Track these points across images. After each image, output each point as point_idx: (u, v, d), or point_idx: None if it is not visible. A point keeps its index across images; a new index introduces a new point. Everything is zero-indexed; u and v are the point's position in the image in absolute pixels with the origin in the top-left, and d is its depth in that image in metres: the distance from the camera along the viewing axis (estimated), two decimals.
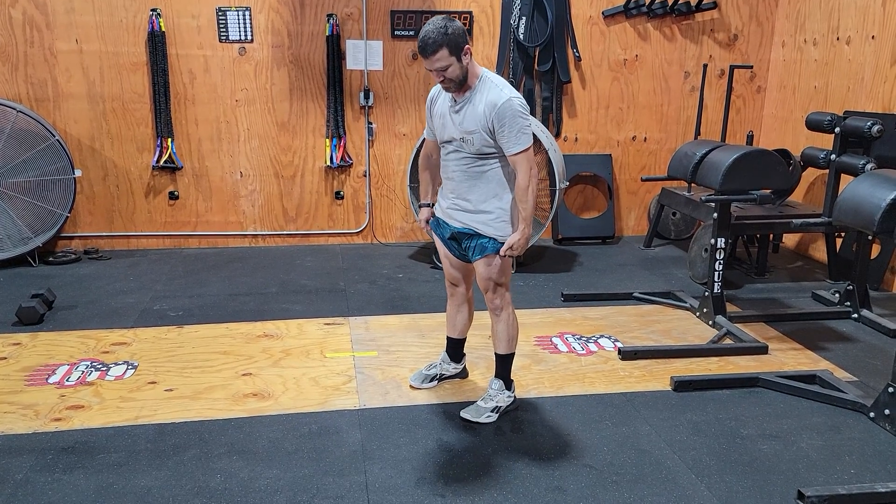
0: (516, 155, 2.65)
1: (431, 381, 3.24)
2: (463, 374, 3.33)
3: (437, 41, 2.53)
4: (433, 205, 3.09)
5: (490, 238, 2.81)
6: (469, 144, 2.72)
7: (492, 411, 2.96)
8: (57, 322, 3.92)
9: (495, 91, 2.64)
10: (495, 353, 3.01)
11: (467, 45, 2.60)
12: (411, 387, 3.21)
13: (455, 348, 3.25)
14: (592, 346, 3.73)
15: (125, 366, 3.40)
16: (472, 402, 3.07)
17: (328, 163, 5.45)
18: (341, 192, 5.58)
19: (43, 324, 3.88)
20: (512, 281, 4.72)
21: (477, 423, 2.92)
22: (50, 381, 3.23)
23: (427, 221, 3.11)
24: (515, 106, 2.61)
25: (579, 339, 3.82)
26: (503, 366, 3.01)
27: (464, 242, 2.89)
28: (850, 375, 3.42)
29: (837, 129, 3.99)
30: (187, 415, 2.95)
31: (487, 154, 2.73)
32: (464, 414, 2.96)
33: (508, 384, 3.04)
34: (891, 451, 2.77)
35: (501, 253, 2.78)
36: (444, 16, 2.63)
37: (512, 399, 3.04)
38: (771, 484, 2.55)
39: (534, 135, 4.63)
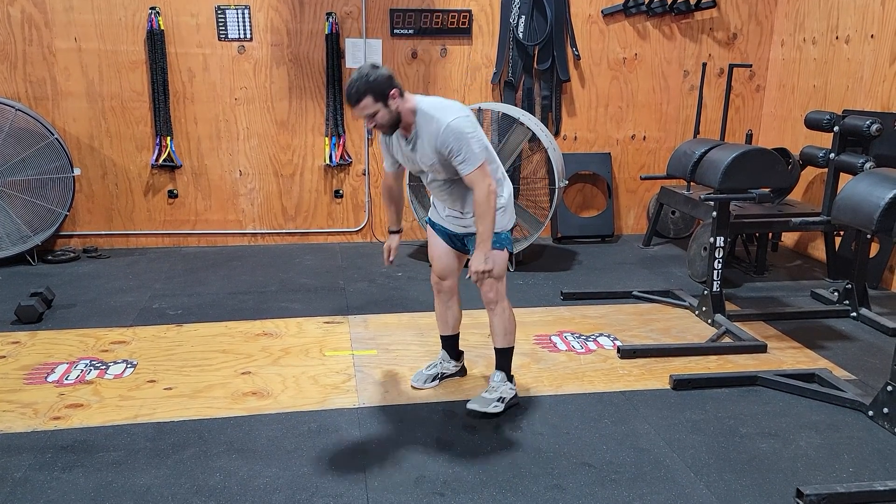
0: (469, 175, 2.63)
1: (433, 380, 3.24)
2: (462, 371, 3.33)
3: (360, 90, 2.55)
4: (401, 231, 3.14)
5: (495, 233, 2.81)
6: (439, 172, 2.74)
7: (497, 401, 2.97)
8: (56, 321, 3.92)
9: (433, 122, 2.62)
10: (494, 348, 3.02)
11: (394, 90, 2.58)
12: (413, 387, 3.21)
13: (451, 345, 3.25)
14: (591, 345, 3.73)
15: (124, 364, 3.40)
16: (468, 401, 3.07)
17: (327, 161, 5.44)
18: (340, 191, 5.58)
19: (42, 322, 3.88)
20: (511, 279, 4.74)
21: (484, 412, 2.93)
22: (49, 379, 3.23)
23: (393, 250, 3.07)
24: (456, 127, 2.58)
25: (578, 337, 3.83)
26: (503, 359, 3.04)
27: (465, 239, 2.95)
28: (849, 374, 3.43)
29: (836, 128, 3.99)
30: (186, 413, 2.95)
31: None
32: (470, 406, 2.97)
33: (510, 377, 3.06)
34: (889, 449, 2.77)
35: (468, 277, 2.72)
36: (371, 63, 2.63)
37: (514, 392, 3.06)
38: (770, 482, 2.55)
39: (533, 134, 4.67)
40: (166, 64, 5.11)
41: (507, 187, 2.89)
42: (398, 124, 2.67)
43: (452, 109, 2.64)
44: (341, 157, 5.45)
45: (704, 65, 5.38)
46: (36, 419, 2.88)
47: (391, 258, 3.09)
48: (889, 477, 2.57)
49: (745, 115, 5.93)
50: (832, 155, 4.04)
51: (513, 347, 3.04)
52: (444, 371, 3.28)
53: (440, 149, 2.62)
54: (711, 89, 5.78)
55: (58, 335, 3.73)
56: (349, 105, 2.62)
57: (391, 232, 3.14)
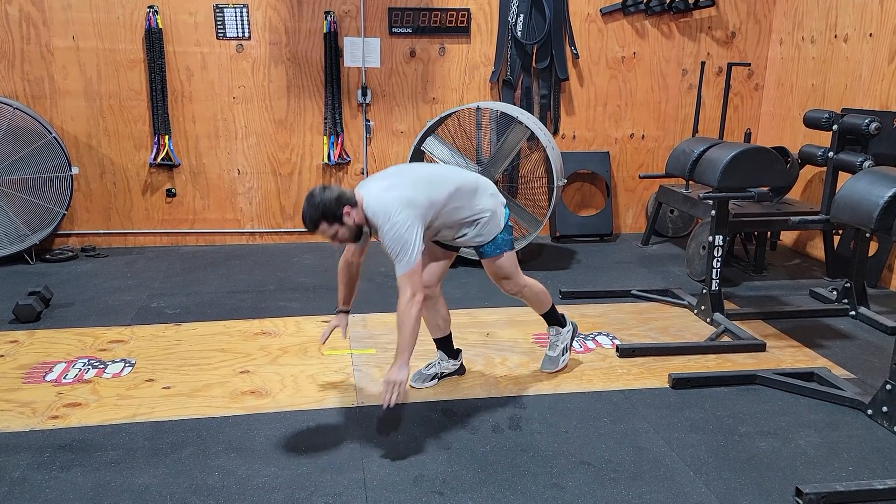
0: (398, 277, 2.61)
1: (431, 379, 3.24)
2: (461, 370, 3.33)
3: (314, 218, 2.59)
4: (348, 312, 3.04)
5: (486, 243, 2.94)
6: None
7: (563, 354, 3.35)
8: (54, 320, 3.91)
9: (378, 228, 2.62)
10: (540, 315, 3.30)
11: (345, 207, 2.59)
12: (411, 387, 3.20)
13: (446, 344, 3.26)
14: (590, 344, 3.73)
15: (122, 363, 3.39)
16: (470, 400, 3.08)
17: (326, 160, 5.44)
18: None
19: (40, 321, 3.87)
20: None
21: (557, 371, 3.34)
22: (47, 378, 3.22)
23: (341, 329, 3.00)
24: (393, 232, 2.57)
25: (577, 336, 3.82)
26: (549, 318, 3.31)
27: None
28: (848, 373, 3.43)
29: (835, 127, 3.99)
30: (185, 412, 2.95)
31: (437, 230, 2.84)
32: (542, 368, 3.36)
33: (561, 323, 3.33)
34: (888, 447, 2.77)
35: (383, 403, 2.59)
36: (318, 188, 2.61)
37: (570, 329, 3.37)
38: (769, 481, 2.55)
39: (532, 133, 4.66)
40: (164, 63, 5.10)
41: (489, 202, 2.89)
42: (361, 231, 2.70)
43: (391, 211, 2.58)
44: (339, 156, 5.44)
45: (703, 63, 5.38)
46: (34, 418, 2.87)
47: (327, 338, 2.97)
48: (888, 475, 2.57)
49: (744, 114, 5.93)
50: (831, 153, 4.04)
51: (552, 306, 3.27)
52: (443, 370, 3.28)
53: (386, 247, 2.63)
54: (710, 88, 5.78)
55: (56, 334, 3.72)
56: (307, 232, 2.66)
57: (339, 311, 3.02)
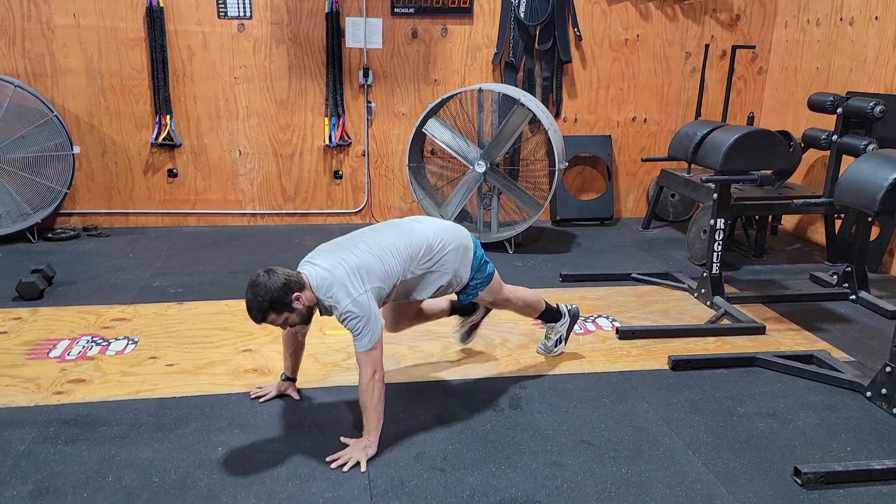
0: (357, 353, 2.50)
1: (469, 336, 3.38)
2: (486, 311, 3.32)
3: (262, 310, 2.41)
4: (295, 380, 2.94)
5: (462, 291, 2.87)
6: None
7: (556, 345, 3.34)
8: (57, 297, 3.92)
9: (332, 309, 2.49)
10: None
11: (295, 294, 2.42)
12: (460, 342, 3.40)
13: (459, 312, 3.29)
14: (590, 326, 3.74)
15: (126, 341, 3.41)
16: (470, 379, 3.11)
17: (327, 142, 5.43)
18: (340, 172, 5.56)
19: (43, 299, 3.89)
20: (510, 261, 4.75)
21: (549, 355, 3.36)
22: (51, 355, 3.24)
23: (271, 394, 2.89)
24: (349, 311, 2.43)
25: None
26: (545, 318, 3.27)
27: None
28: (848, 356, 3.45)
29: (839, 110, 3.98)
30: (188, 389, 2.97)
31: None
32: (538, 349, 3.39)
33: (555, 319, 3.28)
34: (887, 429, 2.79)
35: (332, 459, 2.50)
36: (262, 274, 2.42)
37: (566, 322, 3.32)
38: (767, 461, 2.57)
39: (534, 116, 4.65)
40: (165, 42, 5.07)
41: (448, 259, 2.74)
42: (312, 313, 2.55)
43: (343, 292, 2.44)
44: (341, 138, 5.43)
45: (707, 46, 5.36)
46: (39, 394, 2.89)
47: (264, 397, 2.88)
48: (886, 456, 2.60)
49: (747, 98, 5.91)
50: (835, 137, 4.04)
51: (544, 307, 3.21)
52: (472, 322, 3.34)
53: (344, 326, 2.51)
54: (713, 71, 5.75)
55: (59, 312, 3.74)
56: (254, 322, 2.46)
57: (285, 379, 2.92)
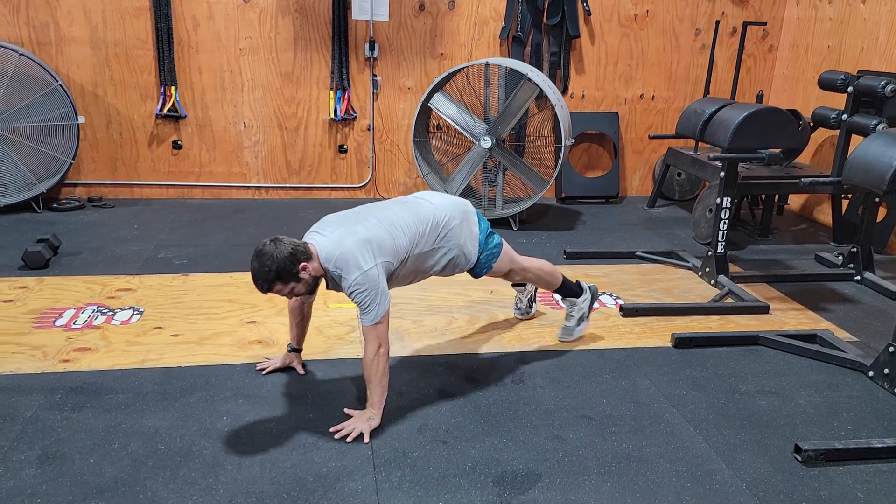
0: (365, 327, 2.50)
1: (529, 309, 3.50)
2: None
3: (268, 280, 2.39)
4: (300, 350, 2.94)
5: (474, 267, 2.87)
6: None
7: (578, 323, 3.25)
8: (62, 267, 3.94)
9: (340, 281, 2.48)
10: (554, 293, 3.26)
11: (302, 263, 2.41)
12: (518, 318, 3.50)
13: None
14: (594, 304, 3.74)
15: (131, 311, 3.43)
16: (474, 354, 3.12)
17: (332, 115, 5.40)
18: (345, 146, 5.54)
19: (49, 268, 3.90)
20: (515, 238, 4.75)
21: (573, 340, 3.28)
22: (57, 323, 3.26)
23: (277, 364, 2.89)
24: (357, 283, 2.42)
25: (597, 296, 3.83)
26: (563, 292, 3.22)
27: None
28: (851, 335, 3.45)
29: (850, 89, 3.95)
30: (193, 359, 2.99)
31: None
32: (560, 337, 3.28)
33: (576, 293, 3.23)
34: (888, 408, 2.80)
35: (334, 430, 2.51)
36: (268, 243, 2.39)
37: (587, 297, 3.25)
38: (768, 438, 2.59)
39: (541, 91, 4.61)
40: (170, 11, 5.03)
41: (454, 235, 2.75)
42: (318, 283, 2.55)
43: (352, 263, 2.43)
44: (346, 112, 5.40)
45: (717, 23, 5.29)
46: (45, 361, 2.91)
47: (268, 369, 2.88)
48: (887, 435, 2.61)
49: (757, 76, 5.85)
50: (844, 116, 4.00)
51: (562, 280, 3.17)
52: (529, 294, 3.45)
53: (351, 299, 2.50)
54: (723, 49, 5.69)
55: (64, 281, 3.75)
56: (260, 291, 2.45)
57: (291, 350, 2.92)
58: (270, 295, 3.60)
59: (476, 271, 2.89)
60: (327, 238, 2.50)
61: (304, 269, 2.43)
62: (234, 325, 3.32)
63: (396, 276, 2.65)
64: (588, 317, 3.29)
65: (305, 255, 2.43)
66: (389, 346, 2.56)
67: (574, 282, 3.24)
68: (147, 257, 4.16)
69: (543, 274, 3.11)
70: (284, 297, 2.62)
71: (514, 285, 3.38)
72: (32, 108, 4.77)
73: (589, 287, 3.28)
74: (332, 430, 2.52)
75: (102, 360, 2.94)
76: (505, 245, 2.96)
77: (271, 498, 2.18)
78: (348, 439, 2.47)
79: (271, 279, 2.39)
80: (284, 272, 2.39)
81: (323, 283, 2.60)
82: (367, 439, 2.47)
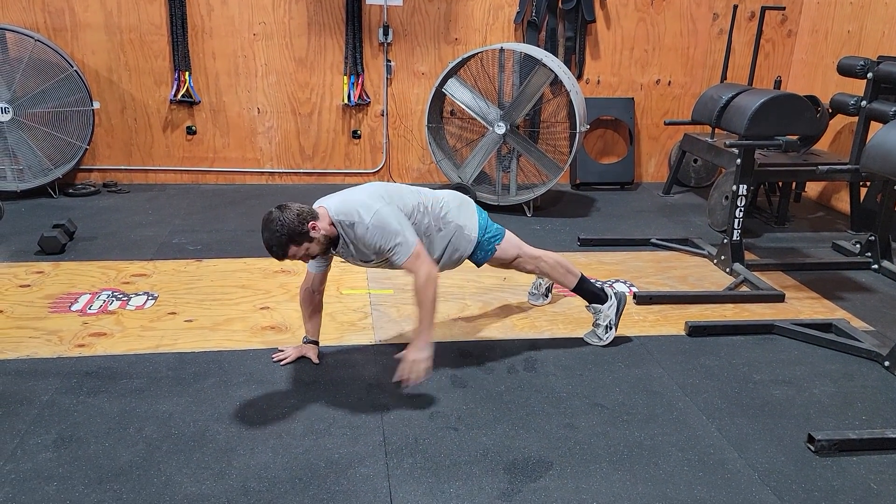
0: (405, 264, 2.53)
1: (546, 295, 3.52)
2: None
3: (281, 244, 2.43)
4: (317, 342, 2.94)
5: (471, 254, 2.88)
6: (389, 263, 2.63)
7: (606, 331, 3.12)
8: (78, 252, 3.97)
9: (354, 228, 2.51)
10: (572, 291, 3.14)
11: (311, 223, 2.44)
12: (532, 304, 3.50)
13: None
14: (607, 290, 3.72)
15: (145, 296, 3.46)
16: (486, 341, 3.12)
17: (346, 101, 5.38)
18: (358, 132, 5.53)
19: (64, 254, 3.94)
20: (529, 224, 4.73)
21: (599, 345, 3.14)
22: (73, 308, 3.29)
23: (293, 356, 2.88)
24: (376, 224, 2.48)
25: (595, 283, 3.81)
26: (583, 294, 3.12)
27: None
28: (867, 325, 3.41)
29: (870, 75, 3.88)
30: (207, 345, 3.01)
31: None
32: (586, 338, 3.18)
33: (601, 300, 3.10)
34: None
35: (399, 378, 2.57)
36: (275, 210, 2.44)
37: (613, 304, 3.11)
38: (781, 427, 2.57)
39: (556, 77, 4.57)
40: None
41: (455, 214, 2.81)
42: (332, 243, 2.58)
43: (364, 207, 2.50)
44: (360, 97, 5.38)
45: (735, 7, 5.21)
46: (61, 346, 2.95)
47: (285, 361, 2.87)
48: None
49: (775, 62, 5.77)
50: (864, 102, 3.94)
51: (581, 277, 3.08)
52: (549, 282, 3.47)
53: (373, 251, 2.54)
54: (741, 33, 5.60)
55: (80, 266, 3.79)
56: (276, 260, 2.51)
57: (307, 342, 2.92)
58: (282, 281, 3.66)
59: (478, 256, 2.89)
60: (335, 199, 2.60)
61: (313, 227, 2.47)
62: (248, 311, 3.34)
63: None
64: (616, 325, 3.12)
65: (312, 215, 2.49)
66: (437, 272, 2.60)
67: (598, 286, 3.14)
68: (161, 243, 4.18)
69: (557, 264, 3.03)
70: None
71: None
72: (48, 94, 4.80)
73: (615, 294, 3.13)
74: (394, 380, 2.60)
75: (117, 345, 2.97)
76: (510, 233, 2.99)
77: (283, 483, 2.19)
78: (411, 382, 2.54)
79: (284, 243, 2.43)
80: (296, 233, 2.44)
81: (338, 249, 2.62)
82: (417, 376, 2.53)
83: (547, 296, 3.52)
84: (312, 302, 2.88)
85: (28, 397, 2.58)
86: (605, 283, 3.82)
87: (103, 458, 2.27)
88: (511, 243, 2.95)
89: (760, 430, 2.55)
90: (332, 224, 2.54)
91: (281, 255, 2.47)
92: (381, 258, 2.62)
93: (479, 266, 2.96)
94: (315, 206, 2.60)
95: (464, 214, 2.85)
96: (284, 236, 2.42)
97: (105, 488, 2.14)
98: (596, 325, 3.14)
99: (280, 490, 2.16)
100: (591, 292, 3.11)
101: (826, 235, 4.73)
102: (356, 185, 2.77)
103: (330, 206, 2.57)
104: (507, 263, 3.00)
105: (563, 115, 5.62)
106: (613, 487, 2.23)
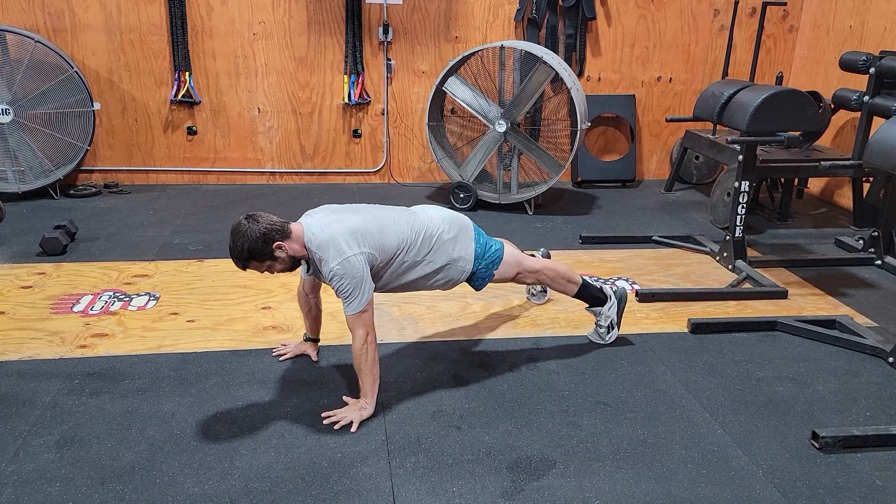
0: (348, 317, 2.46)
1: (543, 295, 3.51)
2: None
3: (242, 260, 2.41)
4: (317, 341, 2.96)
5: (472, 278, 2.80)
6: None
7: (609, 330, 3.10)
8: (79, 253, 3.97)
9: (321, 266, 2.45)
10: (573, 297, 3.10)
11: (276, 242, 2.39)
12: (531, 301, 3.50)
13: None
14: (607, 290, 3.71)
15: (147, 297, 3.45)
16: (488, 339, 3.12)
17: (346, 100, 5.38)
18: (359, 131, 5.52)
19: (66, 255, 3.94)
20: (530, 223, 4.72)
21: (602, 343, 3.13)
22: (74, 309, 3.29)
23: (292, 353, 2.90)
24: (340, 272, 2.40)
25: (596, 280, 3.81)
26: (584, 298, 3.07)
27: None
28: (871, 321, 3.40)
29: (872, 70, 3.86)
30: (209, 345, 3.01)
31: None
32: (589, 336, 3.17)
33: (601, 302, 3.07)
34: None
35: (328, 415, 2.51)
36: (245, 221, 2.40)
37: (613, 304, 3.07)
38: (785, 424, 2.56)
39: (556, 74, 4.56)
40: None
41: (448, 250, 2.70)
42: (298, 262, 2.53)
43: (336, 249, 2.41)
44: (360, 96, 5.38)
45: (736, 3, 5.18)
46: (63, 347, 2.95)
47: (285, 356, 2.89)
48: None
49: (776, 58, 5.75)
50: (866, 97, 3.92)
51: (582, 284, 3.02)
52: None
53: (332, 287, 2.48)
54: (742, 30, 5.59)
55: (81, 267, 3.78)
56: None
57: (308, 339, 2.94)
58: (283, 281, 3.65)
59: (475, 283, 2.82)
60: (316, 221, 2.50)
61: (278, 247, 2.41)
62: (249, 311, 3.34)
63: (380, 276, 2.59)
64: (619, 323, 3.11)
65: (281, 234, 2.42)
66: (376, 334, 2.53)
67: (597, 287, 3.09)
68: (163, 243, 4.18)
69: (558, 275, 2.97)
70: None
71: None
72: (48, 95, 4.80)
73: (614, 292, 3.10)
74: (323, 415, 2.52)
75: (119, 346, 2.97)
76: (509, 248, 2.90)
77: (286, 483, 2.19)
78: (336, 427, 2.46)
79: (244, 258, 2.41)
80: (256, 252, 2.39)
81: (306, 267, 2.61)
82: (354, 429, 2.46)
83: (545, 292, 3.51)
84: (308, 304, 2.87)
85: (30, 398, 2.58)
86: (607, 281, 3.81)
87: (106, 458, 2.27)
88: (510, 264, 2.83)
89: (764, 428, 2.54)
90: (304, 247, 2.47)
91: (241, 267, 2.45)
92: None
93: (477, 291, 2.88)
94: (302, 218, 2.54)
95: (459, 246, 2.72)
96: (245, 252, 2.39)
97: (108, 489, 2.14)
98: (598, 325, 3.12)
99: (283, 490, 2.16)
100: (591, 296, 3.07)
101: (829, 232, 4.72)
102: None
103: (307, 228, 2.47)
104: (509, 280, 2.92)
105: (563, 113, 5.61)
106: (617, 485, 2.22)
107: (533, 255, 3.22)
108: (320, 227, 2.46)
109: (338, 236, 2.43)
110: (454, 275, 2.74)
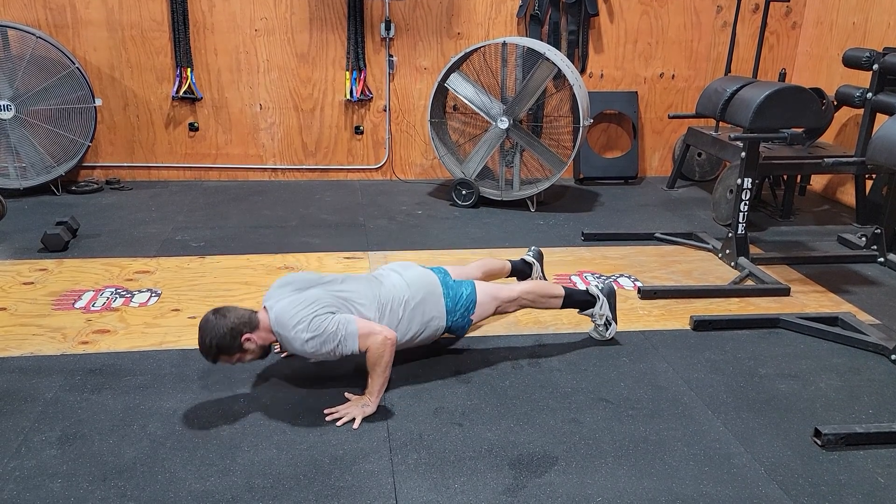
0: (359, 348, 2.48)
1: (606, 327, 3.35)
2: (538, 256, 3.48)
3: (212, 355, 2.43)
4: None
5: (448, 330, 2.82)
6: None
7: (607, 327, 3.08)
8: (81, 249, 3.97)
9: (283, 332, 2.44)
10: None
11: (244, 335, 2.42)
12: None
13: (520, 270, 3.36)
14: (593, 291, 3.70)
15: (149, 293, 3.45)
16: (490, 336, 3.12)
17: (348, 96, 5.37)
18: (361, 127, 5.52)
19: (67, 251, 3.94)
20: (532, 219, 4.71)
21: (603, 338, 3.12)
22: (76, 305, 3.29)
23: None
24: (309, 335, 2.41)
25: (598, 277, 3.81)
26: (573, 305, 3.05)
27: None
28: (873, 318, 3.39)
29: (875, 67, 3.85)
30: None
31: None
32: (591, 333, 3.15)
33: (590, 304, 3.05)
34: None
35: (330, 412, 2.52)
36: (212, 317, 2.42)
37: (602, 302, 3.04)
38: (787, 421, 2.56)
39: (559, 71, 4.55)
40: None
41: (416, 318, 2.70)
42: (269, 349, 2.57)
43: (299, 319, 2.41)
44: (362, 93, 5.37)
45: (739, 0, 5.17)
46: (65, 343, 2.95)
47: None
48: None
49: (779, 54, 5.73)
50: (869, 94, 3.91)
51: (565, 294, 2.98)
52: (537, 277, 3.42)
53: (316, 355, 2.49)
54: (745, 26, 5.57)
55: (83, 263, 3.78)
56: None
57: None
58: None
59: (456, 333, 2.87)
60: (280, 305, 2.48)
61: (247, 340, 2.44)
62: (251, 307, 3.32)
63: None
64: (615, 318, 3.09)
65: (249, 326, 2.45)
66: (393, 333, 2.53)
67: (582, 291, 3.07)
68: (164, 239, 4.18)
69: (538, 296, 2.94)
70: None
71: (513, 272, 3.34)
72: (50, 92, 4.80)
73: (601, 290, 3.06)
74: (325, 411, 2.52)
75: (121, 342, 2.97)
76: (482, 287, 2.87)
77: (288, 479, 2.19)
78: (338, 423, 2.47)
79: (214, 353, 2.43)
80: (225, 347, 2.42)
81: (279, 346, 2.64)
82: (356, 425, 2.46)
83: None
84: None
85: (32, 395, 2.58)
86: (610, 278, 3.80)
87: (107, 454, 2.27)
88: (485, 303, 2.82)
89: (766, 425, 2.54)
90: (271, 331, 2.49)
91: (213, 362, 2.48)
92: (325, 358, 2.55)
93: (461, 338, 2.91)
94: (264, 301, 2.54)
95: (429, 307, 2.73)
96: (214, 348, 2.41)
97: (109, 485, 2.14)
98: (595, 325, 3.11)
99: (285, 486, 2.16)
100: (579, 302, 3.05)
101: (831, 229, 4.70)
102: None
103: (273, 311, 2.48)
104: (490, 316, 2.92)
105: (566, 110, 5.60)
106: (619, 482, 2.22)
107: (513, 271, 3.30)
108: (284, 309, 2.46)
109: (294, 308, 2.44)
110: (430, 333, 2.77)
